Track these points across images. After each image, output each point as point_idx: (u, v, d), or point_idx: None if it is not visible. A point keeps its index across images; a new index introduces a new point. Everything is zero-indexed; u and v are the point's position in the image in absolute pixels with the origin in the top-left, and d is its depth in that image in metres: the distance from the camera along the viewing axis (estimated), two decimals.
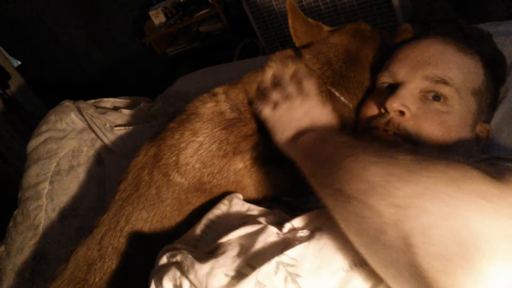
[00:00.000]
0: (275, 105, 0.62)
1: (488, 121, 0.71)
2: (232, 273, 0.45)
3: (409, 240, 0.34)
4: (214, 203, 0.61)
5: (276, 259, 0.44)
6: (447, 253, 0.32)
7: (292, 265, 0.44)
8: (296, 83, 0.64)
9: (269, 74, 0.68)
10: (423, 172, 0.37)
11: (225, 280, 0.44)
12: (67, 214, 1.02)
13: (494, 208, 0.33)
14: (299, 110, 0.60)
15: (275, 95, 0.63)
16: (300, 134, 0.57)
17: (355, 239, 0.41)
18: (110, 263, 0.62)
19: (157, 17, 2.42)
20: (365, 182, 0.39)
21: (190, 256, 0.48)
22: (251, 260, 0.45)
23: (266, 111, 0.63)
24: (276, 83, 0.66)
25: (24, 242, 1.00)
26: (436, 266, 0.32)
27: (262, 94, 0.66)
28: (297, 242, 0.46)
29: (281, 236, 0.49)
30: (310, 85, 0.64)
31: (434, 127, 0.60)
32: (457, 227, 0.32)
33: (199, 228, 0.57)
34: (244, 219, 0.56)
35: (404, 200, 0.35)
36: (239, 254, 0.47)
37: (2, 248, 1.04)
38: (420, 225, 0.34)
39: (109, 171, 1.04)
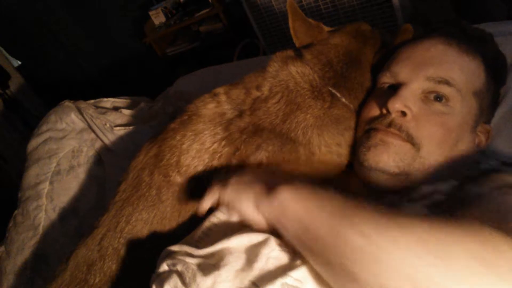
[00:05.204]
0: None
1: (488, 121, 0.71)
2: None
3: None
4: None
5: (280, 280, 0.43)
6: None
7: None
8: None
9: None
10: (446, 250, 0.35)
11: None
12: (67, 214, 1.02)
13: None
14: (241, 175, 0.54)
15: (209, 197, 0.55)
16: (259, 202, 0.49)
17: None
18: (110, 264, 0.62)
19: (157, 17, 2.42)
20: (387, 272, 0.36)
21: (192, 266, 0.48)
22: (255, 278, 0.45)
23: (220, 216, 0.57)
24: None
25: (24, 242, 1.00)
26: None
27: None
28: (299, 260, 0.46)
29: (284, 249, 0.48)
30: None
31: (435, 128, 0.60)
32: None
33: (200, 230, 0.57)
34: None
35: None
36: (242, 269, 0.46)
37: (2, 248, 1.04)
38: None
39: (109, 171, 1.04)
